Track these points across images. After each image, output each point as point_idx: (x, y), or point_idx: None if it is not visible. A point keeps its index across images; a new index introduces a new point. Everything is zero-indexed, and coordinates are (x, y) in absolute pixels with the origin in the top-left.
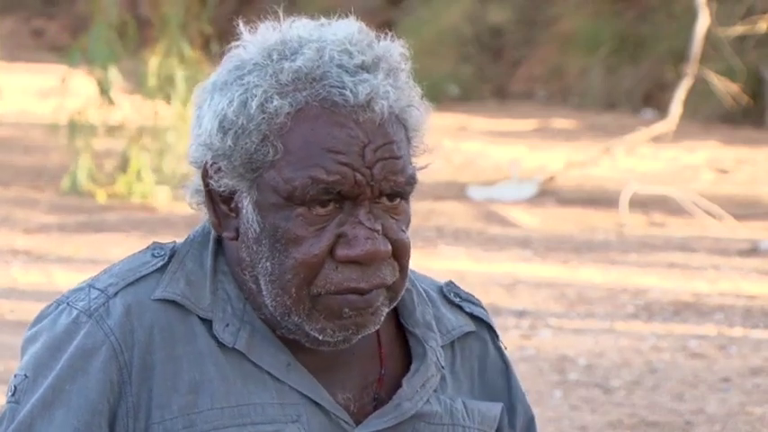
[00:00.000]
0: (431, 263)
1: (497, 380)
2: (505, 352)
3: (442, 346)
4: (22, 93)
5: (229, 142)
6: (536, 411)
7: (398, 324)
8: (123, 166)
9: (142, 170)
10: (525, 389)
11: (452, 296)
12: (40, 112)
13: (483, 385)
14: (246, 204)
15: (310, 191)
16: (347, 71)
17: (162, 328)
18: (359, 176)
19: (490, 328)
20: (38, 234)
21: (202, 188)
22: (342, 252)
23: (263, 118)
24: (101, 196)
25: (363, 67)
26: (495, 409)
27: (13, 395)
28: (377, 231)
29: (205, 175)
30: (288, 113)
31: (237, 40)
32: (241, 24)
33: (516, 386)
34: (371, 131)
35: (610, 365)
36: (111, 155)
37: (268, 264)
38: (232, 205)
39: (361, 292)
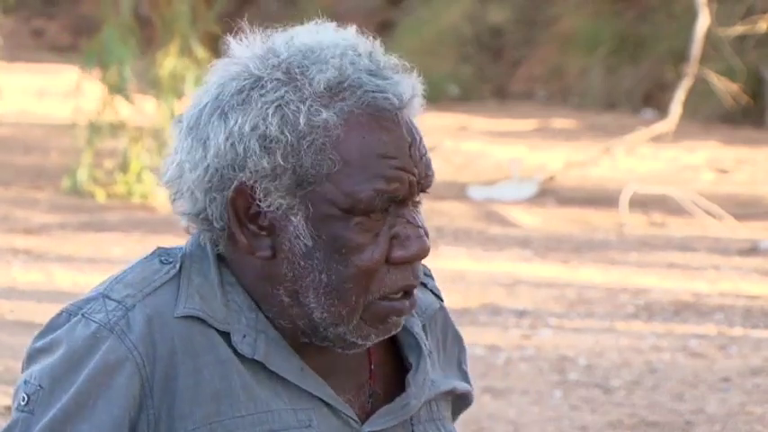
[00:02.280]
0: (431, 263)
1: (454, 348)
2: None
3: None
4: (22, 93)
5: (279, 160)
6: (536, 411)
7: None
8: (124, 166)
9: (142, 170)
10: (525, 389)
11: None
12: (40, 112)
13: (445, 355)
14: (296, 220)
15: (376, 202)
16: (375, 75)
17: (183, 340)
18: (411, 178)
19: (442, 302)
20: (38, 234)
21: (214, 212)
22: (398, 253)
23: (315, 131)
24: (101, 196)
25: (390, 69)
26: (463, 387)
27: (26, 404)
28: (423, 228)
29: (245, 198)
30: (336, 124)
31: (226, 54)
32: (231, 41)
33: (466, 362)
34: (409, 130)
35: (610, 365)
36: (111, 155)
37: (323, 276)
38: (264, 224)
39: (410, 291)
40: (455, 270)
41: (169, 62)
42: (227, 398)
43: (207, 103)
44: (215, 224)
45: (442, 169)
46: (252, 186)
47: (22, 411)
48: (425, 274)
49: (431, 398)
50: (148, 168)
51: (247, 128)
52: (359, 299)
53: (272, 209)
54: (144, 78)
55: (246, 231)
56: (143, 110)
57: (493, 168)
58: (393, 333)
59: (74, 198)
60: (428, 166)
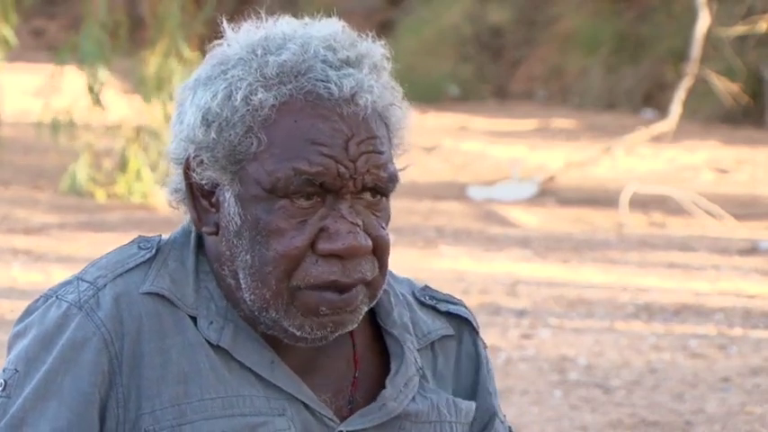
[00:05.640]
0: (431, 263)
1: (468, 376)
2: (483, 349)
3: (418, 350)
4: (22, 93)
5: (213, 134)
6: (536, 411)
7: (373, 326)
8: (122, 165)
9: (141, 170)
10: (525, 389)
11: (427, 299)
12: (38, 112)
13: (457, 384)
14: (228, 197)
15: (294, 182)
16: (331, 66)
17: (151, 319)
18: (342, 169)
19: (470, 326)
20: (38, 234)
21: (182, 185)
22: (324, 246)
23: (248, 110)
24: (100, 196)
25: (348, 63)
26: (473, 406)
27: (3, 390)
28: (358, 226)
29: (187, 169)
30: (272, 106)
31: (221, 38)
32: (225, 23)
33: (483, 384)
34: (355, 125)
35: (610, 365)
36: (110, 155)
37: (248, 256)
38: (213, 200)
39: (340, 287)
40: (455, 270)
41: (155, 62)
42: (196, 380)
43: (191, 82)
44: (185, 198)
45: (442, 169)
46: (192, 157)
47: (0, 397)
48: (449, 302)
49: (425, 411)
50: (147, 168)
51: (202, 102)
52: (280, 284)
53: (204, 181)
54: (131, 77)
55: (198, 205)
56: (140, 109)
57: (493, 168)
58: (336, 333)
59: (73, 198)
60: (376, 165)
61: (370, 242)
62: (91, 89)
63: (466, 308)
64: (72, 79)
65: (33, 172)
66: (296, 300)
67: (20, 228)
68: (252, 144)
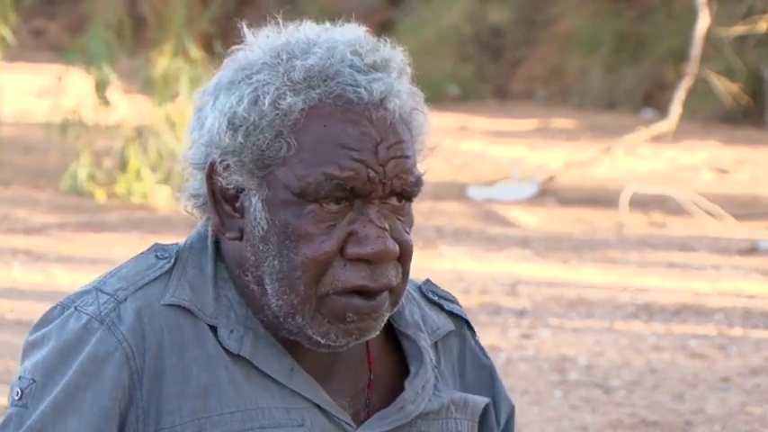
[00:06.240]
0: (431, 263)
1: (479, 377)
2: (485, 348)
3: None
4: (22, 93)
5: (240, 139)
6: (536, 411)
7: (385, 326)
8: (122, 165)
9: (141, 170)
10: (525, 389)
11: (431, 295)
12: (39, 112)
13: (464, 384)
14: (255, 202)
15: (324, 187)
16: (359, 71)
17: (172, 333)
18: (372, 173)
19: (469, 326)
20: (38, 234)
21: (201, 191)
22: (353, 250)
23: (277, 114)
24: (101, 196)
25: (375, 67)
26: (483, 401)
27: (19, 399)
28: (386, 230)
29: (211, 174)
30: (301, 110)
31: (239, 41)
32: (244, 27)
33: (498, 381)
34: (384, 130)
35: (610, 365)
36: (110, 154)
37: (276, 262)
38: (237, 205)
39: (368, 292)
40: (455, 270)
41: (162, 62)
42: (215, 393)
43: (211, 86)
44: (204, 204)
45: (441, 169)
46: (218, 162)
47: (16, 406)
48: (448, 299)
49: (436, 409)
50: (147, 168)
51: (227, 107)
52: (308, 289)
53: (231, 186)
54: (137, 78)
55: (221, 210)
56: (142, 109)
57: (493, 168)
58: (360, 340)
59: (73, 198)
60: (404, 170)
61: (397, 247)
62: (98, 89)
63: (461, 306)
64: (75, 80)
65: (33, 172)
66: (323, 306)
67: (20, 228)
68: (281, 149)
